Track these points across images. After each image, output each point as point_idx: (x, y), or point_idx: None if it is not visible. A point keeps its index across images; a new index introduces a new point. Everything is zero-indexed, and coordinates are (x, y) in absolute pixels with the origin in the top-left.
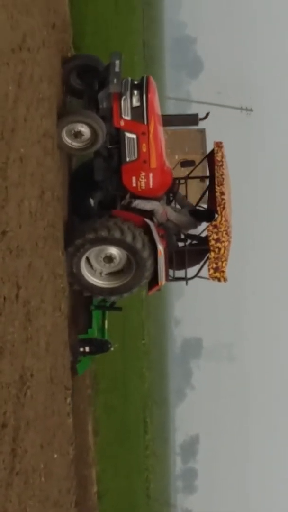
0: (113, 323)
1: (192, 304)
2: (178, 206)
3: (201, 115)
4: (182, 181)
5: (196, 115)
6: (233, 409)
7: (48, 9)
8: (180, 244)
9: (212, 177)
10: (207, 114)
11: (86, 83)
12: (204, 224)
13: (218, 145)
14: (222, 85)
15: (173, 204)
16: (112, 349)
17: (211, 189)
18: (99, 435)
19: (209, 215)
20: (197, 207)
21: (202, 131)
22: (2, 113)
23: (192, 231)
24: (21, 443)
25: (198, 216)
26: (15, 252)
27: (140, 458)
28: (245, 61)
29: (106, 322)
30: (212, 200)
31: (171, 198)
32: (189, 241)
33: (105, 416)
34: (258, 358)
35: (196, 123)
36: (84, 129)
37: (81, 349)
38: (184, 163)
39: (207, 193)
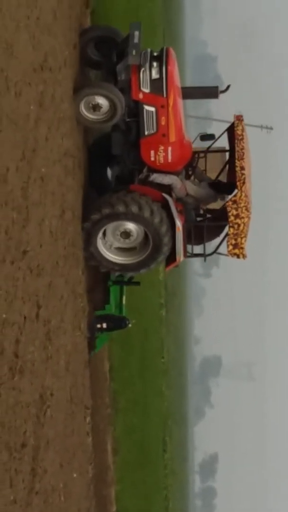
0: (133, 339)
1: (212, 322)
2: (196, 181)
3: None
4: (201, 155)
5: (216, 87)
6: (252, 428)
7: (70, 29)
8: (199, 219)
9: (232, 151)
10: (228, 87)
11: (104, 54)
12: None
13: (239, 118)
14: (242, 103)
15: (191, 178)
16: (130, 325)
17: (231, 163)
18: (118, 454)
19: (229, 187)
20: (217, 181)
21: (223, 155)
22: (23, 133)
23: (211, 205)
24: (40, 462)
25: (218, 189)
26: (35, 271)
27: (159, 477)
28: (265, 80)
29: (124, 298)
30: (232, 174)
31: (190, 173)
32: (208, 215)
33: (124, 435)
34: (277, 377)
35: (216, 96)
36: (102, 102)
37: (98, 325)
38: (204, 137)
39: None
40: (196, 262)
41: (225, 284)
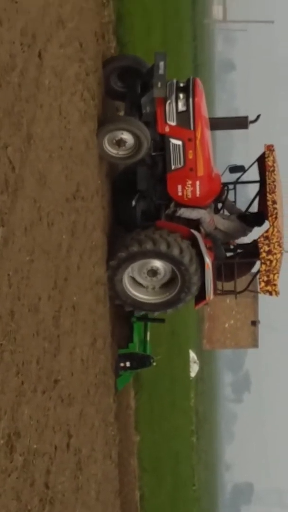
0: (164, 466)
1: (243, 448)
2: (226, 213)
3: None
4: (231, 186)
5: (246, 117)
6: None
7: (102, 158)
8: (229, 254)
9: (262, 182)
10: (258, 116)
11: (128, 85)
12: (254, 233)
13: (269, 148)
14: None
15: (221, 211)
16: (154, 364)
17: (262, 195)
18: None
19: (258, 218)
20: (246, 213)
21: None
22: (55, 262)
23: (241, 239)
24: None
25: (247, 221)
26: (66, 401)
27: None
28: None
29: (148, 335)
30: (263, 206)
31: (219, 207)
32: (238, 250)
33: None
34: None
35: (246, 127)
36: (127, 137)
37: (122, 364)
38: (233, 169)
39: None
40: (228, 387)
41: (257, 409)
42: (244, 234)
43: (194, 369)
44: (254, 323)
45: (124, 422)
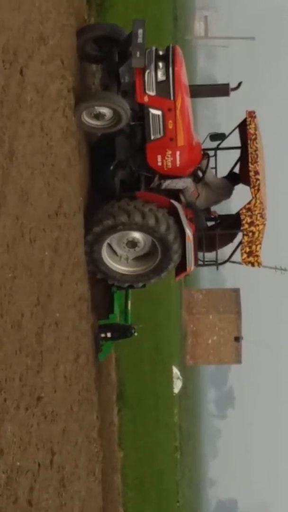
0: (148, 483)
1: (227, 464)
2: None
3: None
4: (211, 153)
5: (227, 84)
6: None
7: (84, 174)
8: (210, 223)
9: (244, 148)
10: (240, 84)
11: (105, 52)
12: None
13: (251, 114)
14: None
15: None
16: (135, 334)
17: (243, 162)
18: None
19: (234, 177)
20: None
21: (237, 291)
22: (38, 279)
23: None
24: None
25: (229, 180)
26: (49, 417)
27: None
28: (279, 219)
29: (129, 304)
30: (244, 174)
31: (200, 175)
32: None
33: None
34: None
35: (227, 94)
36: (105, 111)
37: (102, 335)
38: (213, 137)
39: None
40: (211, 403)
41: (240, 425)
42: (229, 194)
43: (177, 385)
44: (237, 339)
45: (108, 438)
